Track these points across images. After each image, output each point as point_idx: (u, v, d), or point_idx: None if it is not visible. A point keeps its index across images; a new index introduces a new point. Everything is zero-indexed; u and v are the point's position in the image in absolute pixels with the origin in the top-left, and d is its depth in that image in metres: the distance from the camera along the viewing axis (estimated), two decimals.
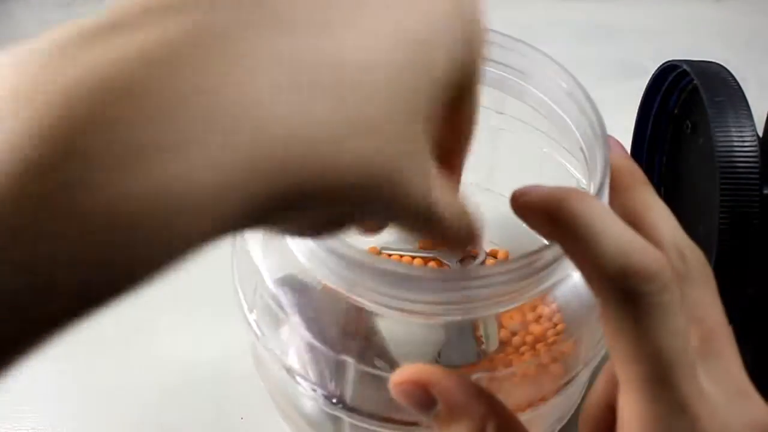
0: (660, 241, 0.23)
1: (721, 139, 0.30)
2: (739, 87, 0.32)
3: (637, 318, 0.19)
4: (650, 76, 0.38)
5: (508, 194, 0.22)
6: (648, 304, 0.19)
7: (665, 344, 0.19)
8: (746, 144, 0.30)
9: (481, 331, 0.37)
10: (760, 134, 0.33)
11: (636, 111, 0.40)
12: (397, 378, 0.22)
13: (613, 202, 0.25)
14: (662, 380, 0.19)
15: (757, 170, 0.29)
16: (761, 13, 0.53)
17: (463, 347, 0.37)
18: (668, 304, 0.20)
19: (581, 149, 0.28)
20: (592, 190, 0.25)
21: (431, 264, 0.41)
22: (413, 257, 0.41)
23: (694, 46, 0.50)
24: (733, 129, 0.30)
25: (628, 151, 0.41)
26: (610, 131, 0.27)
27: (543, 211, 0.21)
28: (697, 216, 0.35)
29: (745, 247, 0.29)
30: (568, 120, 0.29)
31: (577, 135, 0.28)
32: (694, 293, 0.22)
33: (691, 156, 0.37)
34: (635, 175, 0.25)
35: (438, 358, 0.37)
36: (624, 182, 0.25)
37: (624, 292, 0.19)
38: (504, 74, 0.31)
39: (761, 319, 0.34)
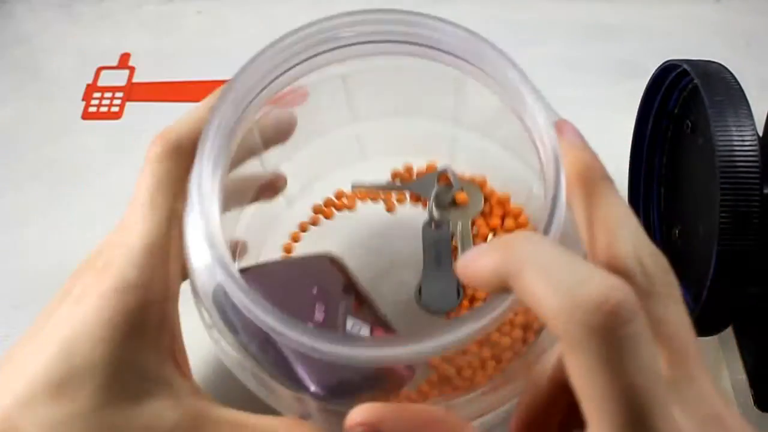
0: (620, 250, 0.21)
1: (721, 138, 0.30)
2: (739, 87, 0.32)
3: (605, 355, 0.18)
4: (650, 76, 0.38)
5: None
6: (614, 338, 0.18)
7: (637, 382, 0.18)
8: (746, 144, 0.30)
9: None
10: (760, 134, 0.33)
11: (636, 111, 0.40)
12: (348, 422, 0.22)
13: (570, 202, 0.24)
14: (636, 421, 0.18)
15: (757, 170, 0.29)
16: (761, 13, 0.53)
17: (444, 291, 0.37)
18: (636, 335, 0.18)
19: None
20: (547, 202, 0.24)
21: (408, 197, 0.40)
22: (388, 191, 0.40)
23: (694, 46, 0.50)
24: (733, 129, 0.30)
25: (628, 151, 0.41)
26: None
27: (493, 278, 0.20)
28: (697, 216, 0.35)
29: (745, 247, 0.29)
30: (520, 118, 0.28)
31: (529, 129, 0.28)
32: (659, 310, 0.21)
33: (691, 156, 0.37)
34: (592, 169, 0.24)
35: (419, 297, 0.36)
36: (580, 178, 0.23)
37: (586, 328, 0.18)
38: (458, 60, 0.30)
39: (761, 319, 0.34)
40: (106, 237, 0.28)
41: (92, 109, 0.50)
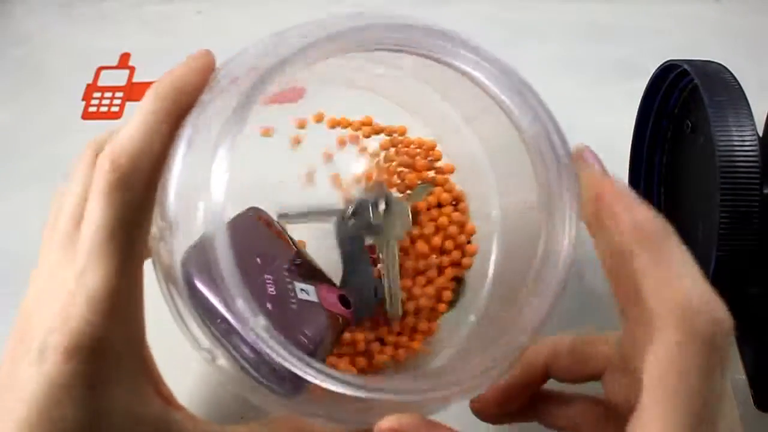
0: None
1: (721, 138, 0.30)
2: (739, 87, 0.32)
3: (708, 363, 0.21)
4: (650, 76, 0.38)
5: None
6: (722, 352, 0.21)
7: (716, 392, 0.21)
8: (746, 144, 0.30)
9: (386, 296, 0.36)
10: (760, 134, 0.33)
11: (636, 111, 0.40)
12: (381, 426, 0.24)
13: (596, 234, 0.26)
14: (705, 423, 0.21)
15: (757, 170, 0.29)
16: (761, 13, 0.53)
17: (360, 292, 0.35)
18: (730, 355, 0.21)
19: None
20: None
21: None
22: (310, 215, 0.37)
23: (694, 46, 0.50)
24: (733, 129, 0.30)
25: (628, 151, 0.41)
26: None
27: (629, 237, 0.24)
28: (697, 216, 0.35)
29: (745, 247, 0.29)
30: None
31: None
32: None
33: (691, 156, 0.37)
34: (624, 202, 0.26)
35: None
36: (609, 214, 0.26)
37: (706, 336, 0.21)
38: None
39: (761, 319, 0.34)
40: (51, 271, 0.26)
41: (92, 109, 0.50)
